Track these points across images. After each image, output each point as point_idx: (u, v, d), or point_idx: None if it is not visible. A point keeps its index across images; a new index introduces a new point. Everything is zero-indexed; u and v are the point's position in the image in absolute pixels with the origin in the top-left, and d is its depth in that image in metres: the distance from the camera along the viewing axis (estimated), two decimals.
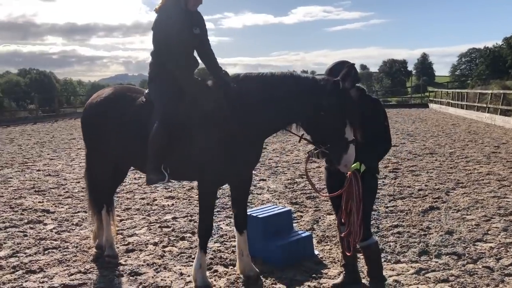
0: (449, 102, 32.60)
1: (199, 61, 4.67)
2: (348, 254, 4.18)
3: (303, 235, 5.35)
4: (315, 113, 3.83)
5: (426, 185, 8.69)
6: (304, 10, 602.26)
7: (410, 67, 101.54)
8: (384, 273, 4.75)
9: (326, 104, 3.76)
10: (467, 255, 5.22)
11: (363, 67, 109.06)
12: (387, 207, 7.23)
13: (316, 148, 4.00)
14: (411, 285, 4.51)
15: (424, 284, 4.53)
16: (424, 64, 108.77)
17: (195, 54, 4.63)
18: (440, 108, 33.74)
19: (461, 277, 4.65)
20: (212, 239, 5.89)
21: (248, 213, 5.34)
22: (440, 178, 9.30)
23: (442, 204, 7.33)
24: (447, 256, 5.21)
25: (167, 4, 4.39)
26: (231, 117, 4.13)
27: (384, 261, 5.12)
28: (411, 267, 4.94)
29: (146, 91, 4.68)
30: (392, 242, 5.67)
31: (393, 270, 4.89)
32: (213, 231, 6.10)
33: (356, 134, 3.81)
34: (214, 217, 6.62)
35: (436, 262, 5.06)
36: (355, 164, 3.91)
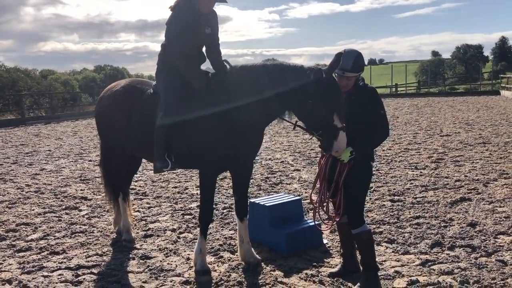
0: None
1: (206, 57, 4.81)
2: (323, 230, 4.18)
3: (312, 224, 5.34)
4: (303, 101, 3.89)
5: (465, 176, 8.29)
6: None
7: (487, 52, 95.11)
8: (388, 264, 4.69)
9: (311, 93, 3.80)
10: (482, 248, 4.98)
11: (435, 53, 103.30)
12: (415, 198, 7.01)
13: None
14: (411, 276, 4.38)
15: (425, 275, 4.40)
16: (503, 49, 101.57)
17: (203, 50, 4.78)
18: None
19: (468, 270, 4.47)
20: (228, 227, 6.06)
21: (256, 202, 5.45)
22: (484, 169, 8.82)
23: (475, 196, 6.98)
24: (461, 249, 5.00)
25: (181, 4, 4.50)
26: (228, 106, 4.28)
27: (392, 251, 5.03)
28: (418, 258, 4.80)
29: (154, 83, 4.90)
30: (407, 233, 5.52)
31: (398, 261, 4.78)
32: (230, 219, 6.30)
33: (343, 121, 3.80)
34: (232, 206, 6.82)
35: (447, 254, 4.88)
36: (346, 150, 3.89)
